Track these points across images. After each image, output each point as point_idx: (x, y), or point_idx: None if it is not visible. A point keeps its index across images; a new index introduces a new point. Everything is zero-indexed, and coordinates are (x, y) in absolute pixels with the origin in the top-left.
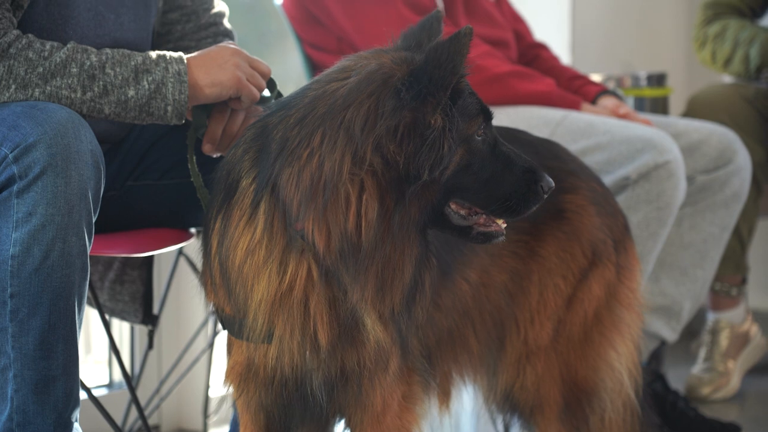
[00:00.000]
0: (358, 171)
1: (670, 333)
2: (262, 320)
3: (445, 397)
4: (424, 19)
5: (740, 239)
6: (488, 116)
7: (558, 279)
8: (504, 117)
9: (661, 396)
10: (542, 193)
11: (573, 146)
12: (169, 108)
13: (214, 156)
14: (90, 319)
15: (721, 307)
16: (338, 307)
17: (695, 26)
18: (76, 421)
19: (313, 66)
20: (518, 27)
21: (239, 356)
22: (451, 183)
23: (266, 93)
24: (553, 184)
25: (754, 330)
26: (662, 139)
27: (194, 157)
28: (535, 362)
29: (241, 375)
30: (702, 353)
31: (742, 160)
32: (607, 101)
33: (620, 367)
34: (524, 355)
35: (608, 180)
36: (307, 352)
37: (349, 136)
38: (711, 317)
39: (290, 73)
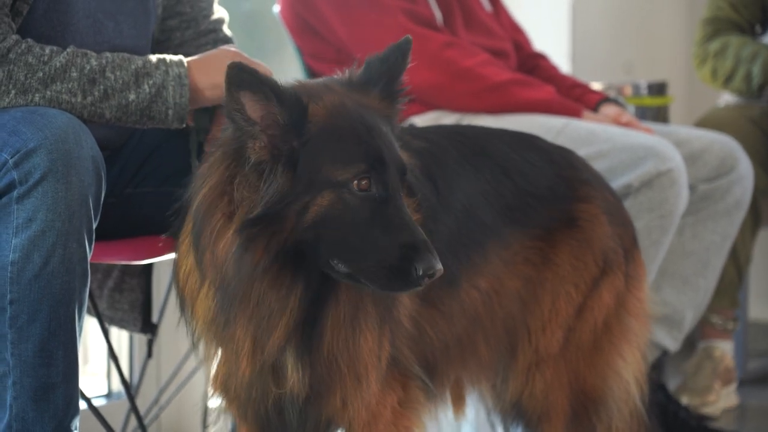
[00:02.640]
0: (218, 202)
1: (671, 342)
2: (206, 341)
3: (459, 403)
4: (389, 50)
5: (738, 269)
6: (379, 168)
7: (570, 287)
8: (504, 125)
9: (662, 405)
10: (416, 277)
11: None
12: (170, 111)
13: None
14: (88, 329)
15: (716, 336)
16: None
17: (695, 43)
18: (76, 429)
19: (313, 75)
20: (517, 37)
21: (219, 365)
22: (313, 229)
23: None
24: (440, 270)
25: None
26: (664, 146)
27: (197, 162)
28: (544, 370)
29: (223, 385)
30: (690, 370)
31: (744, 168)
32: (608, 109)
33: (628, 375)
34: (534, 363)
35: None
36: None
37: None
38: (702, 344)
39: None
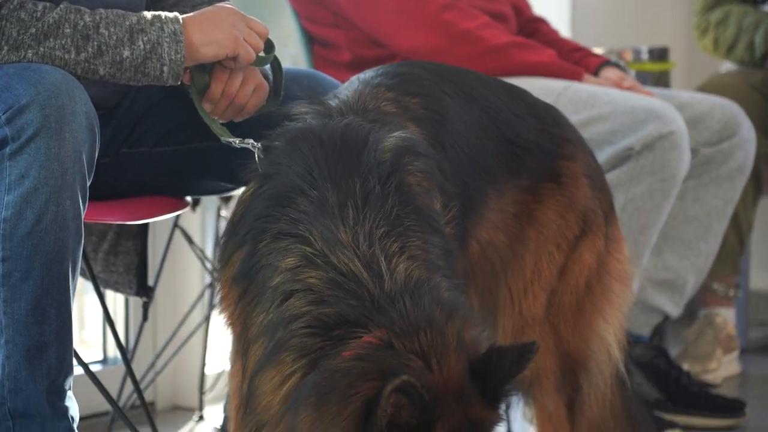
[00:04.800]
0: None
1: (673, 307)
2: None
3: None
4: (512, 349)
5: (740, 236)
6: None
7: (552, 247)
8: None
9: (664, 371)
10: None
11: (575, 117)
12: (165, 68)
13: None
14: (84, 294)
15: (717, 304)
16: None
17: (696, 13)
18: (70, 388)
19: (310, 38)
20: (517, 1)
21: None
22: None
23: (263, 53)
24: None
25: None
26: (666, 109)
27: (201, 106)
28: (530, 334)
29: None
30: (691, 337)
31: (747, 133)
32: (609, 73)
33: (609, 337)
34: (519, 326)
35: (611, 151)
36: None
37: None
38: (704, 311)
39: (288, 48)
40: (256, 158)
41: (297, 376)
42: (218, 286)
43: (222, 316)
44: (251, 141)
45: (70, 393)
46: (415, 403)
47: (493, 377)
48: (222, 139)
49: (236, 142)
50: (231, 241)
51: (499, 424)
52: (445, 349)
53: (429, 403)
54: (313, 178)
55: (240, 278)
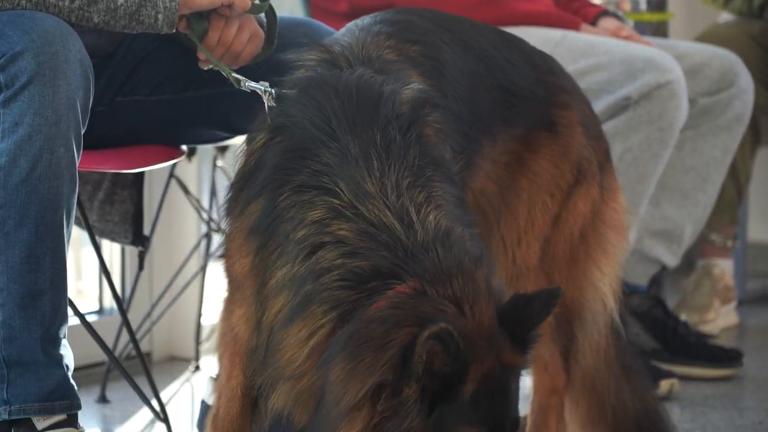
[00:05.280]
0: (355, 413)
1: (671, 257)
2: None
3: None
4: (538, 295)
5: (738, 187)
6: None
7: (546, 196)
8: None
9: (661, 321)
10: None
11: (572, 66)
12: (160, 16)
13: (205, 68)
14: (80, 244)
15: (715, 255)
16: None
17: None
18: (64, 337)
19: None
20: None
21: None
22: None
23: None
24: None
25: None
26: (664, 59)
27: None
28: (524, 284)
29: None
30: (689, 288)
31: (745, 82)
32: (607, 23)
33: (604, 287)
34: (514, 276)
35: (609, 100)
36: None
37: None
38: (702, 262)
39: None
40: (266, 107)
41: (326, 330)
42: (227, 237)
43: (228, 266)
44: (265, 84)
45: (64, 341)
46: (449, 351)
47: (521, 323)
48: (232, 77)
49: (248, 83)
50: (245, 191)
51: (527, 369)
52: (476, 295)
53: (463, 352)
54: (331, 129)
55: (258, 230)
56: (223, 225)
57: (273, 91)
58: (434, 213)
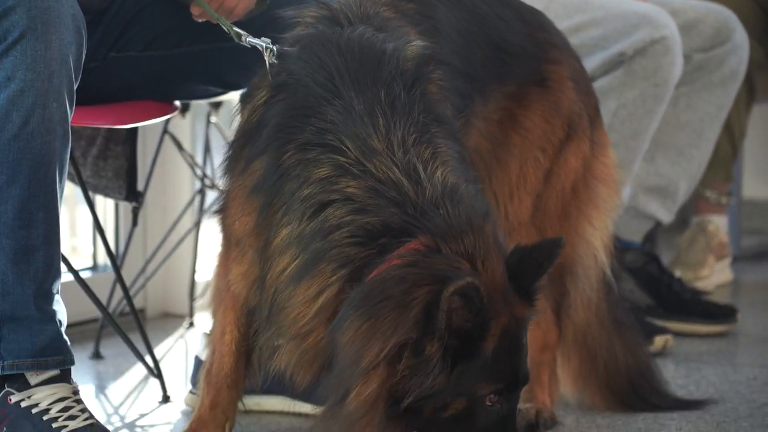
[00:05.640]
0: (375, 374)
1: (665, 214)
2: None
3: None
4: (541, 246)
5: (732, 143)
6: (512, 387)
7: (538, 152)
8: None
9: (655, 277)
10: None
11: (567, 22)
12: None
13: (200, 20)
14: (75, 201)
15: (710, 211)
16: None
17: None
18: (57, 292)
19: None
20: None
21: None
22: (437, 426)
23: None
24: None
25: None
26: (658, 14)
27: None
28: (516, 239)
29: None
30: (684, 244)
31: (739, 38)
32: None
33: (596, 242)
34: (506, 231)
35: (603, 56)
36: None
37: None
38: (696, 219)
39: None
40: (267, 64)
41: (335, 288)
42: (228, 194)
43: (228, 223)
44: (267, 41)
45: (57, 297)
46: (471, 307)
47: (527, 275)
48: (233, 31)
49: (248, 38)
50: (246, 149)
51: (534, 319)
52: (488, 251)
53: (486, 307)
54: (335, 87)
55: (262, 189)
56: (223, 182)
57: (274, 48)
58: (441, 169)
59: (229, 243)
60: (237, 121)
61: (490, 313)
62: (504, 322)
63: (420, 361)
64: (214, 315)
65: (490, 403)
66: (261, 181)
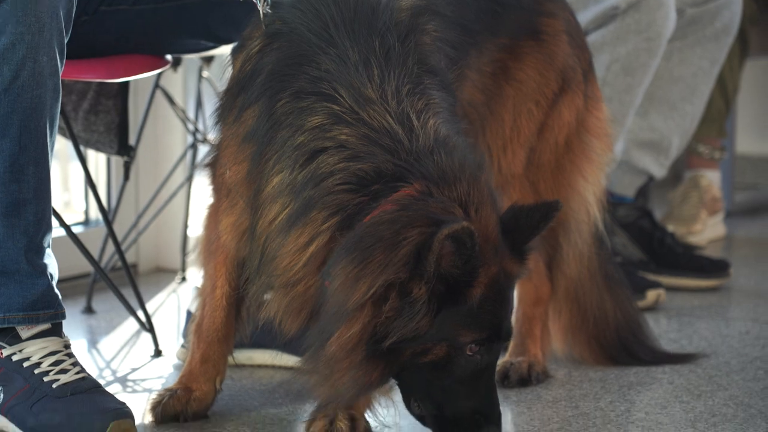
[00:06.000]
0: (360, 313)
1: (658, 169)
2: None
3: None
4: (538, 206)
5: (725, 98)
6: (493, 339)
7: (531, 104)
8: None
9: (648, 232)
10: None
11: None
12: None
13: None
14: (68, 160)
15: (703, 166)
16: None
17: None
18: (48, 246)
19: None
20: None
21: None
22: (416, 371)
23: None
24: None
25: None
26: None
27: None
28: (510, 192)
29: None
30: (677, 199)
31: None
32: None
33: (589, 196)
34: (499, 183)
35: (597, 10)
36: None
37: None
38: (689, 173)
39: None
40: (260, 14)
41: (325, 237)
42: (219, 143)
43: (219, 173)
44: None
45: (49, 251)
46: (462, 253)
47: (520, 233)
48: None
49: None
50: (239, 98)
51: (524, 277)
52: (481, 200)
53: (477, 254)
54: (330, 36)
55: (254, 137)
56: (214, 132)
57: None
58: (433, 119)
59: (220, 194)
60: (229, 72)
61: (480, 261)
62: (493, 272)
63: (405, 303)
64: (205, 268)
65: (470, 353)
66: (253, 129)
